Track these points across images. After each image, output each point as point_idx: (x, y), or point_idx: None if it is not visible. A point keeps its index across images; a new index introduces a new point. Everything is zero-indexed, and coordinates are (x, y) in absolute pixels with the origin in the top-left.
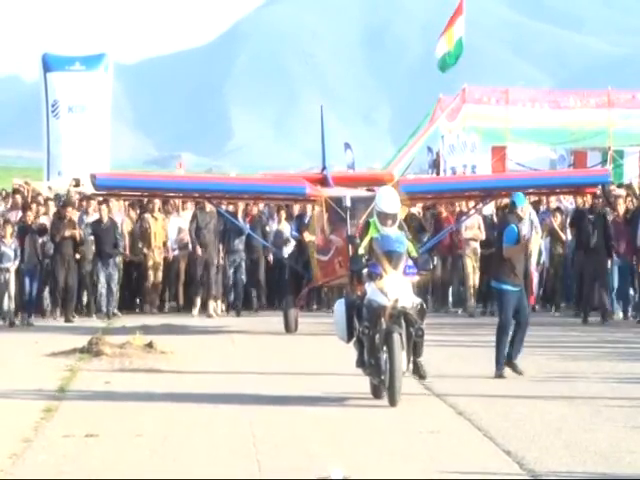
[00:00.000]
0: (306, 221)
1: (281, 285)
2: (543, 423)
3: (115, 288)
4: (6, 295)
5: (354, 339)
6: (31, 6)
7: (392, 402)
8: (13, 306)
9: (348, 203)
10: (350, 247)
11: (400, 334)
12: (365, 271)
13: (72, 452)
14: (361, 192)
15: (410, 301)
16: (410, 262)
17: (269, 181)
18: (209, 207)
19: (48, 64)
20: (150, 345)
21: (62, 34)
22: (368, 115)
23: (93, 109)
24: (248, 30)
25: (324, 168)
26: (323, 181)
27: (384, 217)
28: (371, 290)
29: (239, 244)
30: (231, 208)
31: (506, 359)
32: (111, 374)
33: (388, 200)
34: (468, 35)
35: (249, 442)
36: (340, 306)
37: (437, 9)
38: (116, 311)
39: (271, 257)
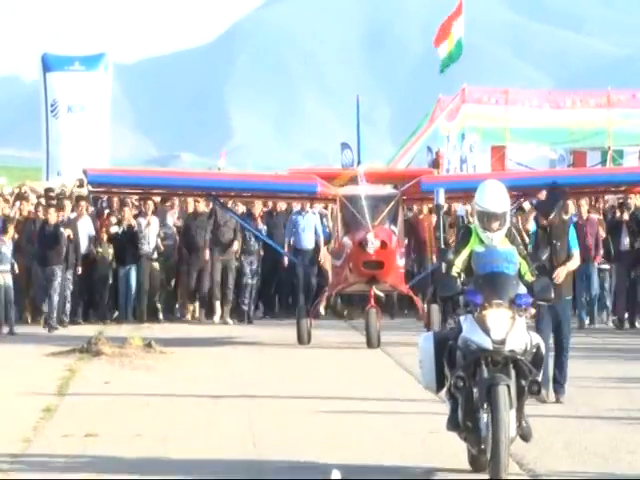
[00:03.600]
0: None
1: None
2: (543, 423)
3: (56, 298)
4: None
5: (445, 389)
6: (31, 6)
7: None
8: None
9: (441, 201)
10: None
11: (508, 387)
12: (461, 299)
13: (72, 452)
14: (380, 189)
15: (522, 343)
16: (523, 288)
17: (278, 178)
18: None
19: (48, 64)
20: (149, 345)
21: (62, 34)
22: (368, 115)
23: (92, 109)
24: (248, 30)
25: (359, 163)
26: (355, 177)
27: (487, 218)
28: (468, 326)
29: (256, 244)
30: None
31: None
32: (111, 374)
33: (493, 195)
34: (468, 35)
35: (249, 442)
36: (427, 343)
37: (437, 9)
38: (53, 321)
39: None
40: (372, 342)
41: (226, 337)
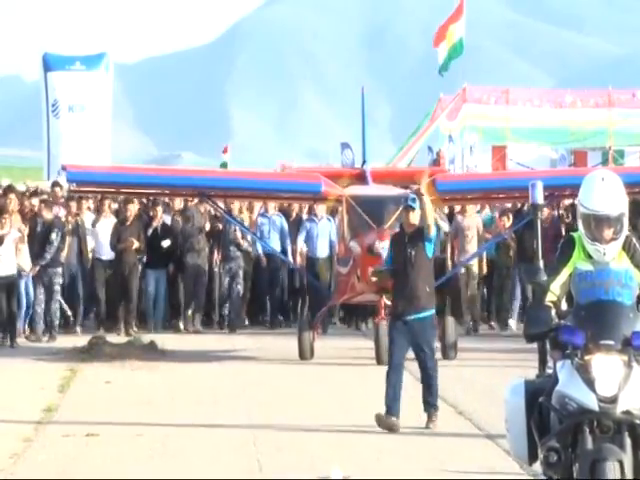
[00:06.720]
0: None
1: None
2: None
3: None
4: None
5: (540, 459)
6: (31, 6)
7: None
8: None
9: (539, 199)
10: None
11: (620, 463)
12: (554, 337)
13: (72, 452)
14: (390, 189)
15: None
16: None
17: (279, 177)
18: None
19: (48, 64)
20: (150, 345)
21: (62, 34)
22: (368, 115)
23: (93, 109)
24: (249, 29)
25: (364, 162)
26: (360, 177)
27: (597, 224)
28: (566, 377)
29: (236, 251)
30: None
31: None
32: (111, 374)
33: (605, 192)
34: (468, 35)
35: (249, 441)
36: (516, 397)
37: (437, 9)
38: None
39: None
40: (382, 358)
41: (227, 343)
